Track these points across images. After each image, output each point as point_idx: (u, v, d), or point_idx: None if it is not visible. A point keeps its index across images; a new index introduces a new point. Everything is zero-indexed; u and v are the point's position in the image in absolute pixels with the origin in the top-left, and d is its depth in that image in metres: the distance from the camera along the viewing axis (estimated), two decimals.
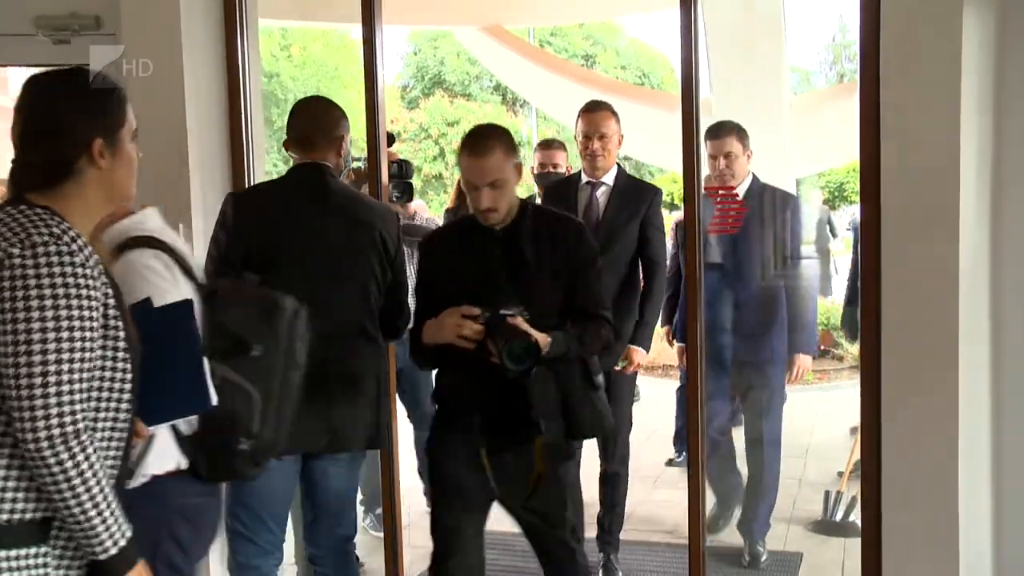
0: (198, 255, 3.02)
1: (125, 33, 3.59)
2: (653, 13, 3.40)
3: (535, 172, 4.76)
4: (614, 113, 3.92)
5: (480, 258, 2.76)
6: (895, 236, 2.88)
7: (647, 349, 3.99)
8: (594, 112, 3.91)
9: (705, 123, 3.68)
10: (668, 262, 4.22)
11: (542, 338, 2.57)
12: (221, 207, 3.01)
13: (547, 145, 4.90)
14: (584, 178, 3.96)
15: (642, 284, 3.92)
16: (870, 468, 2.97)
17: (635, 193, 3.92)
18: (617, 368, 3.88)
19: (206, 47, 3.71)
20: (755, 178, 4.12)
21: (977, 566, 2.96)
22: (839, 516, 4.49)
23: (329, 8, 5.37)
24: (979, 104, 2.86)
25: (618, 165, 3.98)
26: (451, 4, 8.06)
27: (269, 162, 5.93)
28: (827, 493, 4.60)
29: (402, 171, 4.11)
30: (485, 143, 2.69)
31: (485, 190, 2.66)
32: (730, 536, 4.38)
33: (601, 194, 3.91)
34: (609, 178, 3.92)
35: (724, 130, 4.11)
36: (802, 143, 8.96)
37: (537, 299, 2.66)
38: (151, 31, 3.60)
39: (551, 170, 4.70)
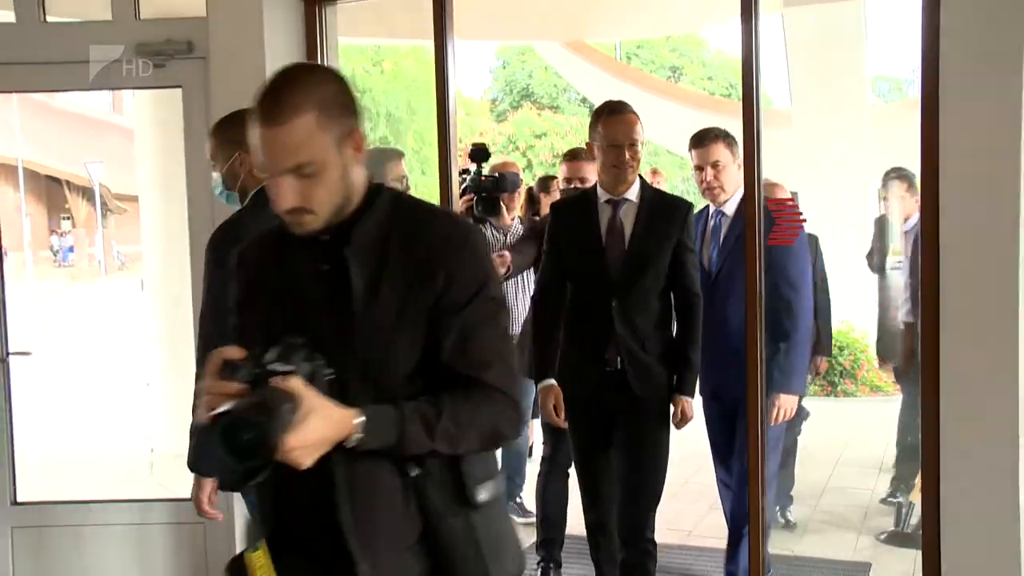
0: None
1: (213, 56, 3.82)
2: (734, 25, 3.44)
3: (560, 187, 4.39)
4: (639, 117, 3.36)
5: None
6: (954, 247, 2.89)
7: (693, 396, 3.40)
8: (622, 115, 3.34)
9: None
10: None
11: (339, 417, 1.52)
12: None
13: (574, 156, 4.30)
14: (603, 195, 3.38)
15: (677, 319, 3.43)
16: (929, 481, 2.98)
17: (666, 210, 3.36)
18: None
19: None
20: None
21: None
22: (910, 527, 4.47)
23: (412, 25, 5.53)
24: None
25: (641, 178, 3.40)
26: (533, 19, 8.20)
27: None
28: (899, 504, 4.60)
29: (497, 185, 4.14)
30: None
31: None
32: None
33: (626, 213, 3.35)
34: (633, 194, 3.34)
35: (709, 137, 3.68)
36: (889, 151, 8.90)
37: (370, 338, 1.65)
38: (237, 53, 3.81)
39: (578, 185, 4.14)
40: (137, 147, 6.98)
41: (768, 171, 3.42)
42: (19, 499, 4.05)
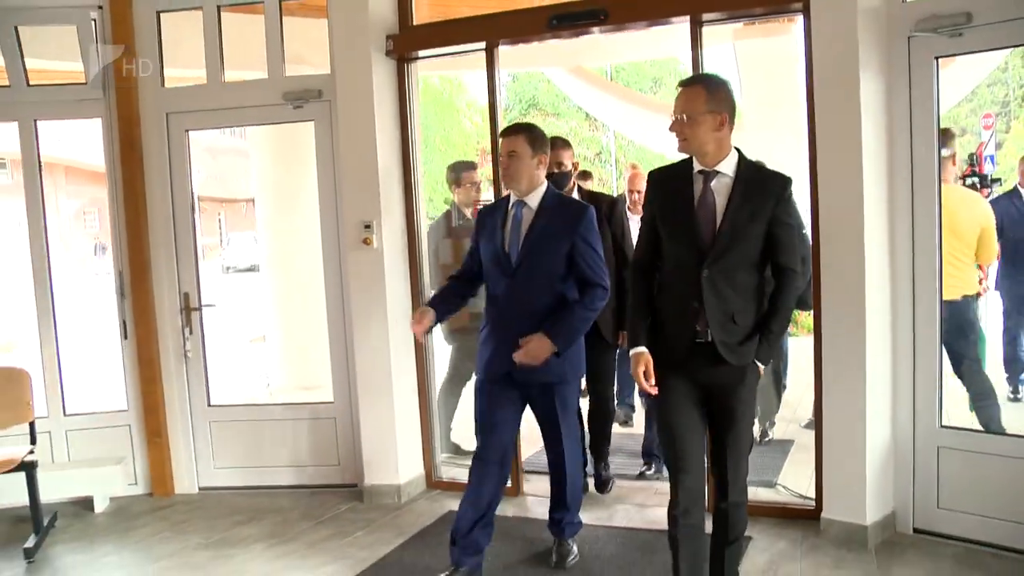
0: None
1: (337, 100, 5.25)
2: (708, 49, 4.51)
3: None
4: (707, 89, 3.25)
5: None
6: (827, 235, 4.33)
7: (767, 364, 3.40)
8: (680, 89, 3.33)
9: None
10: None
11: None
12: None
13: (552, 144, 4.47)
14: (696, 166, 3.31)
15: (770, 292, 3.39)
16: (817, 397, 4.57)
17: (763, 184, 3.27)
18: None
19: (392, 111, 5.32)
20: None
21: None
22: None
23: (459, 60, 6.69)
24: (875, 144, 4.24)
25: (738, 152, 3.31)
26: (542, 53, 9.52)
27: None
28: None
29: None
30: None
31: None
32: None
33: (718, 186, 3.28)
34: (727, 167, 3.27)
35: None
36: None
37: None
38: (353, 97, 5.19)
39: (556, 171, 4.82)
40: (254, 162, 8.60)
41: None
42: (212, 402, 5.80)
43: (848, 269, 4.30)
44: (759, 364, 3.34)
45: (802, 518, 4.65)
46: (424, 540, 4.73)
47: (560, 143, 5.01)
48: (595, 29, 4.91)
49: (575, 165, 5.26)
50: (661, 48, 10.54)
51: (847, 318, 4.33)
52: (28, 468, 4.88)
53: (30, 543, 4.75)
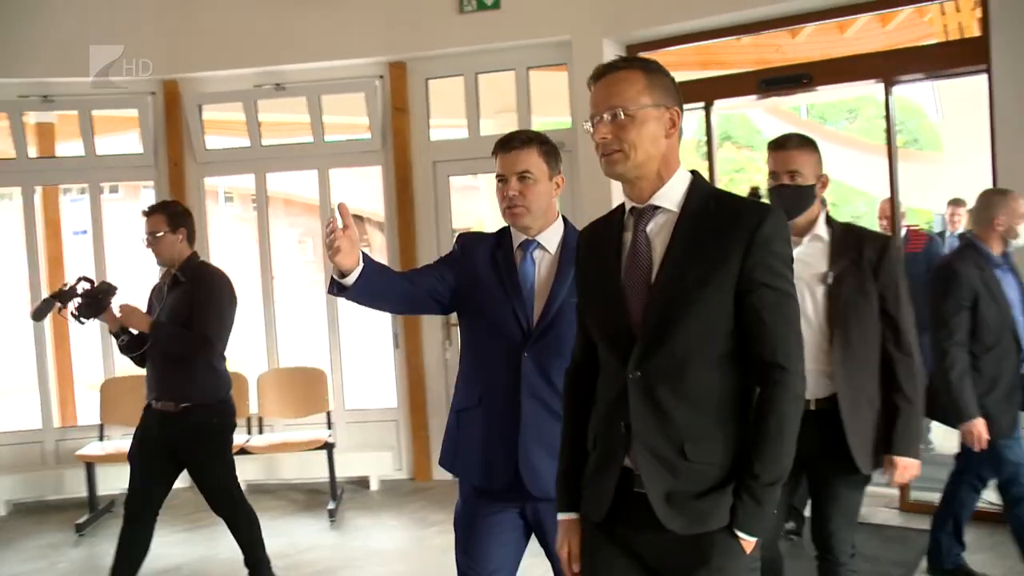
0: None
1: (580, 150, 6.03)
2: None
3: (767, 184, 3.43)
4: (647, 73, 2.02)
5: None
6: None
7: (756, 535, 1.97)
8: (600, 77, 2.07)
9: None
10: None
11: None
12: None
13: (780, 145, 3.20)
14: (628, 202, 2.15)
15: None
16: None
17: (720, 223, 1.98)
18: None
19: None
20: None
21: None
22: None
23: None
24: None
25: (693, 175, 2.08)
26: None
27: None
28: None
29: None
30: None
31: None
32: None
33: (656, 228, 2.06)
34: (670, 197, 2.03)
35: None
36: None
37: None
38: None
39: (787, 181, 3.07)
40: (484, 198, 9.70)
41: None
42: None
43: None
44: (742, 536, 1.96)
45: None
46: None
47: (795, 141, 3.15)
48: (799, 91, 5.62)
49: (823, 179, 3.13)
50: (855, 90, 11.01)
51: None
52: (328, 448, 6.04)
53: (331, 506, 5.90)
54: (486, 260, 2.82)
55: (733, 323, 1.97)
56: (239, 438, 6.19)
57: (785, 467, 1.97)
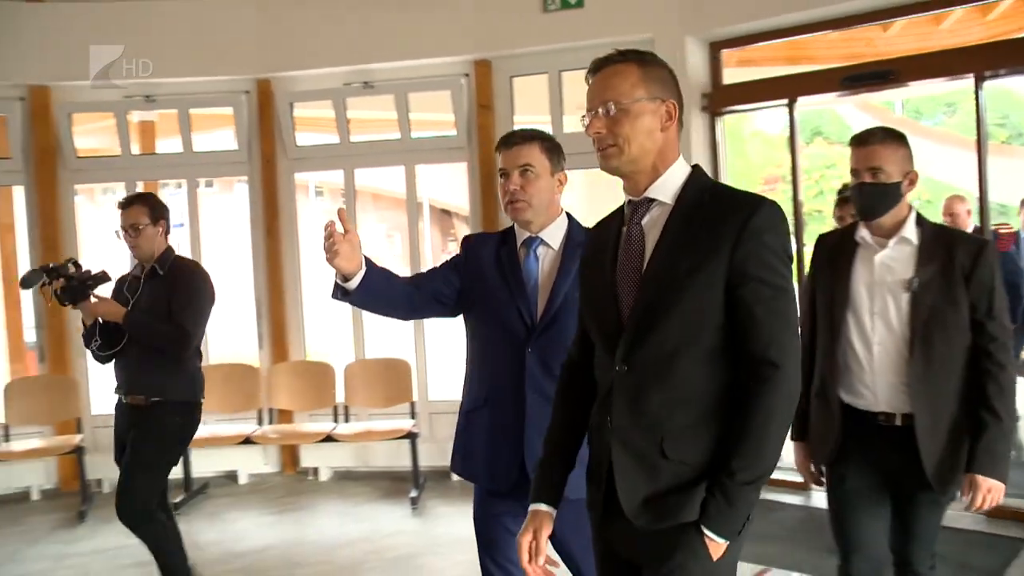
0: None
1: None
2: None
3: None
4: (641, 66, 1.99)
5: None
6: None
7: (727, 537, 1.89)
8: (596, 72, 2.05)
9: None
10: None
11: None
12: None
13: (862, 141, 2.93)
14: (626, 195, 2.09)
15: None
16: None
17: (713, 215, 1.94)
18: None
19: (705, 160, 6.06)
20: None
21: None
22: None
23: None
24: None
25: (693, 169, 2.05)
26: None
27: None
28: None
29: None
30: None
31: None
32: None
33: (651, 221, 2.03)
34: (666, 190, 2.00)
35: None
36: None
37: None
38: None
39: (868, 179, 2.84)
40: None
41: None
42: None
43: None
44: (709, 536, 1.88)
45: None
46: None
47: (878, 136, 2.91)
48: (884, 87, 5.53)
49: (911, 176, 2.92)
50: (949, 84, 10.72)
51: None
52: (412, 437, 6.19)
53: (413, 494, 6.04)
54: (491, 259, 2.86)
55: (724, 317, 1.91)
56: (326, 425, 6.44)
57: (765, 469, 1.88)
